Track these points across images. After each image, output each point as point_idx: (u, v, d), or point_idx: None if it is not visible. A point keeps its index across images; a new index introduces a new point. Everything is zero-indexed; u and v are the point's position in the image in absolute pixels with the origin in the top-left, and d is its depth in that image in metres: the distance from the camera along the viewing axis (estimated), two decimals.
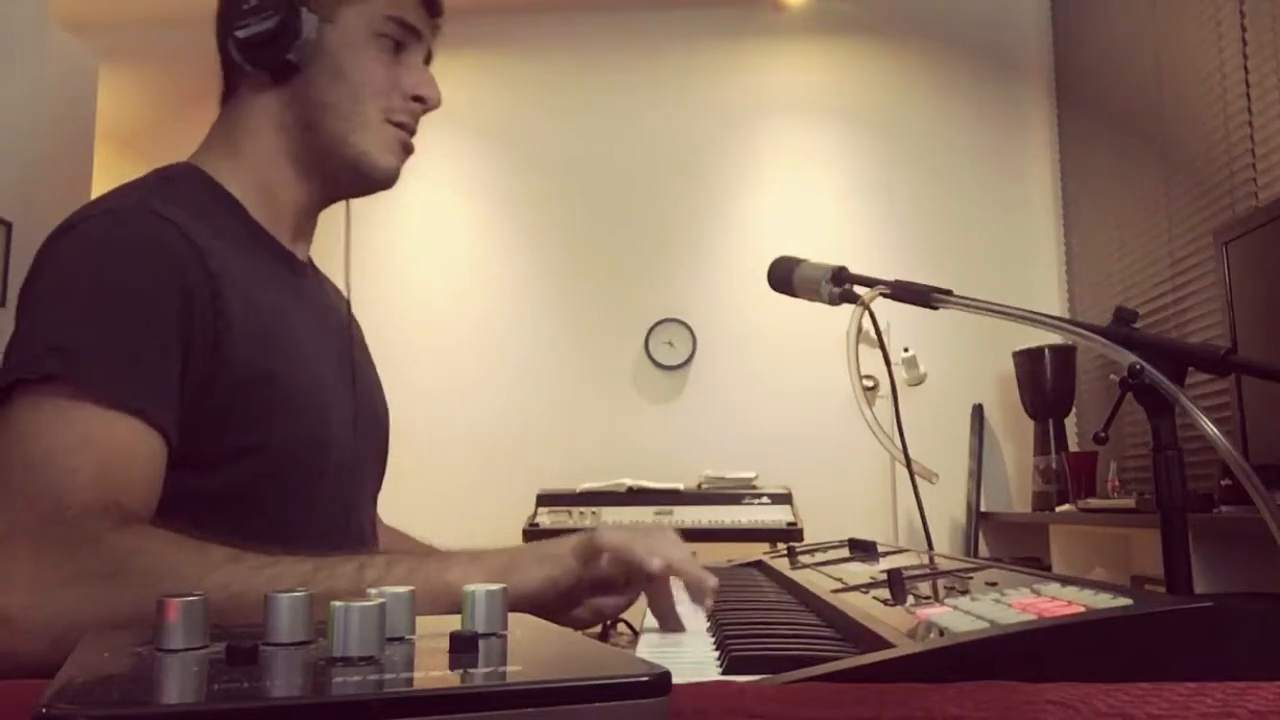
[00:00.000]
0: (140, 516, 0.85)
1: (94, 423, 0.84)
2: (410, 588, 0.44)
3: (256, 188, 1.07)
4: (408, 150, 1.12)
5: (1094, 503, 2.73)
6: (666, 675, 0.35)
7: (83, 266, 0.90)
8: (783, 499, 3.41)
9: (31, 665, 0.72)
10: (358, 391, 1.11)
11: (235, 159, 1.07)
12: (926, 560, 1.02)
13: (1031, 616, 0.58)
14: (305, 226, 1.14)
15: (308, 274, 1.15)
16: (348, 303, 1.21)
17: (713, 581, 0.90)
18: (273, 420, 0.95)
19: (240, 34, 1.04)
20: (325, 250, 1.21)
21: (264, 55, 1.05)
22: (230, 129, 1.09)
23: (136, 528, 0.82)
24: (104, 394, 0.85)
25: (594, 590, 0.92)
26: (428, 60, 1.14)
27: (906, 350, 3.40)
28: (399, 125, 1.09)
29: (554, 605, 0.89)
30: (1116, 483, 2.86)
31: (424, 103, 1.11)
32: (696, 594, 0.90)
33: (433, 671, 0.36)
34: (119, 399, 0.85)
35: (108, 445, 0.84)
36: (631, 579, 0.91)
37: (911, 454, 1.12)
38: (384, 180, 1.11)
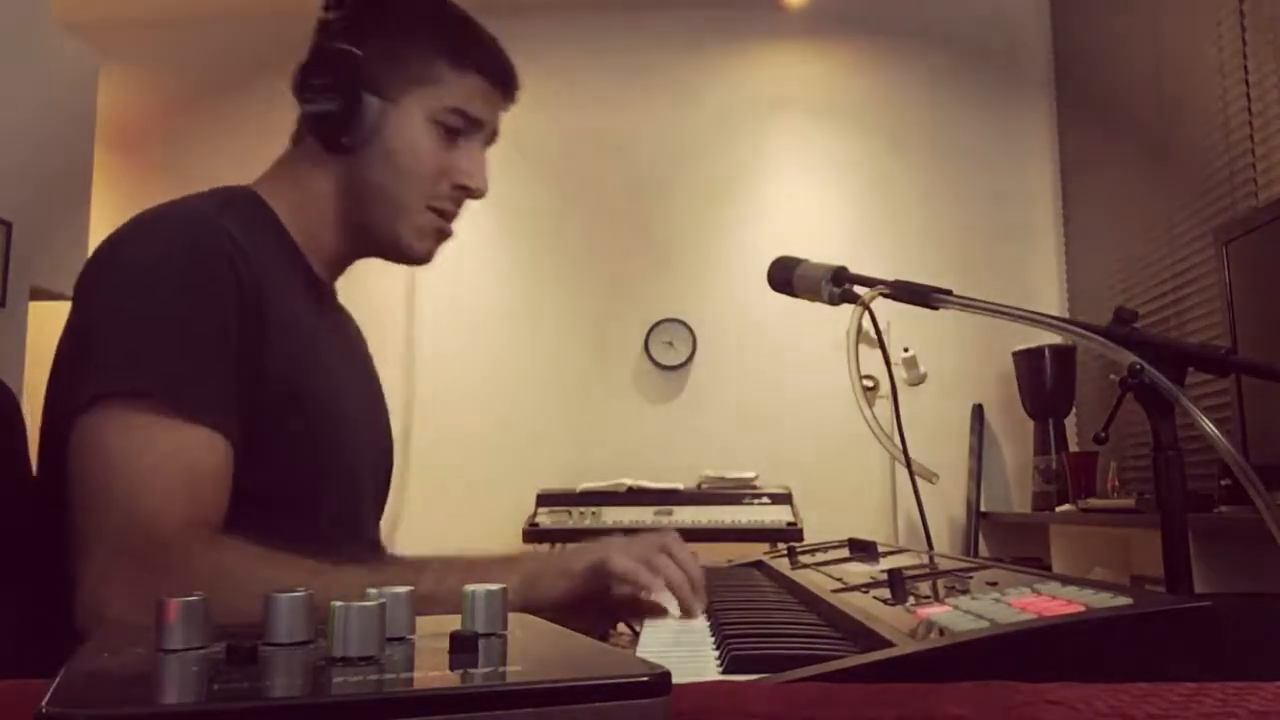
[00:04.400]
0: (219, 526, 0.91)
1: (178, 439, 0.89)
2: (410, 587, 0.44)
3: (305, 230, 1.11)
4: (445, 235, 1.15)
5: (1094, 503, 2.73)
6: (666, 675, 0.35)
7: (148, 276, 0.94)
8: (783, 499, 3.41)
9: None
10: (374, 425, 1.17)
11: (290, 200, 1.11)
12: (926, 560, 1.02)
13: (1031, 616, 0.58)
14: (338, 270, 1.18)
15: (336, 307, 1.20)
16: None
17: (698, 607, 0.94)
18: (293, 434, 0.99)
19: (307, 108, 1.08)
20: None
21: (324, 132, 1.08)
22: (291, 174, 1.12)
23: (225, 544, 0.88)
24: (184, 408, 0.89)
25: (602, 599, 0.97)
26: (492, 139, 1.17)
27: (906, 350, 3.40)
28: (439, 211, 1.12)
29: (565, 615, 0.94)
30: (1116, 483, 2.86)
31: (468, 192, 1.14)
32: (683, 611, 0.94)
33: (433, 671, 0.36)
34: (198, 413, 0.90)
35: (192, 460, 0.90)
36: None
37: (911, 454, 1.12)
38: (417, 261, 1.16)
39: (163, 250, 0.95)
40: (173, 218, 0.99)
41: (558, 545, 3.35)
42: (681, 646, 0.79)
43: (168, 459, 0.88)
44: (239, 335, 0.94)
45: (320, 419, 1.02)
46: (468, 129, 1.12)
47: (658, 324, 3.86)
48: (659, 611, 0.95)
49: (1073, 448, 3.39)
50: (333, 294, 1.19)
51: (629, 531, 1.01)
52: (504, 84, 1.14)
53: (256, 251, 0.99)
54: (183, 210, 1.00)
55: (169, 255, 0.95)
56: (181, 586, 0.80)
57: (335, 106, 1.05)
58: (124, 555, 0.85)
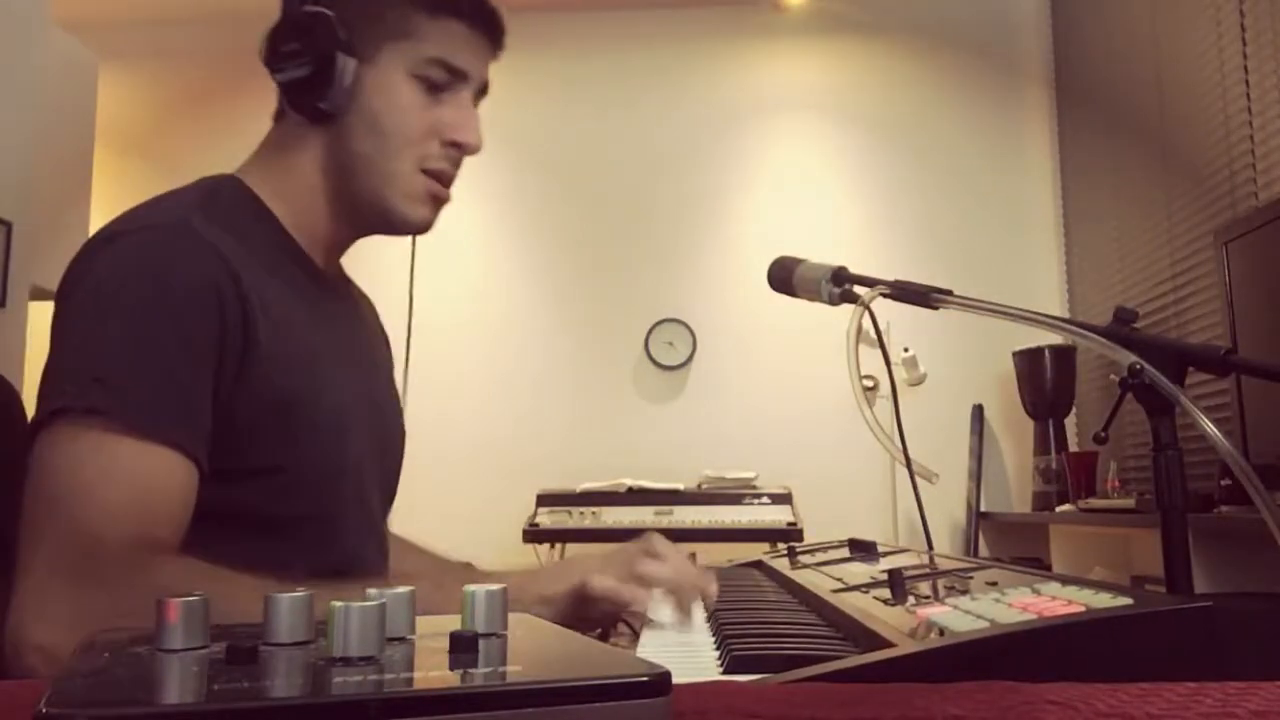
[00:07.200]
0: (171, 545, 0.87)
1: (132, 456, 0.85)
2: (411, 587, 0.44)
3: (295, 214, 1.06)
4: (441, 200, 1.09)
5: (1094, 503, 2.73)
6: (666, 675, 0.35)
7: (122, 287, 0.90)
8: (783, 499, 3.41)
9: None
10: (379, 416, 1.13)
11: (277, 183, 1.06)
12: (926, 560, 1.02)
13: (1031, 616, 0.58)
14: (337, 254, 1.13)
15: (338, 292, 1.14)
16: (408, 329, 1.22)
17: (709, 587, 0.91)
18: (291, 443, 0.96)
19: (278, 77, 1.03)
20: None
21: (300, 101, 1.03)
22: (276, 154, 1.08)
23: (169, 561, 0.85)
24: (143, 427, 0.86)
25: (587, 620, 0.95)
26: (484, 92, 1.11)
27: (906, 350, 3.40)
28: (434, 173, 1.06)
29: None
30: (1116, 483, 2.85)
31: (461, 149, 1.08)
32: (683, 602, 0.91)
33: (433, 671, 0.36)
34: (157, 431, 0.86)
35: (145, 479, 0.86)
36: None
37: (911, 454, 1.12)
38: (415, 230, 1.10)
39: (140, 263, 0.91)
40: (155, 226, 0.94)
41: (557, 546, 3.35)
42: (681, 646, 0.79)
43: (117, 476, 0.85)
44: (220, 352, 0.90)
45: (318, 424, 0.98)
46: (453, 81, 1.05)
47: (658, 324, 3.86)
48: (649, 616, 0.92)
49: (1073, 448, 3.39)
50: (334, 278, 1.13)
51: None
52: (487, 29, 1.08)
53: (243, 252, 0.95)
54: (165, 216, 0.95)
55: (146, 270, 0.91)
56: (118, 606, 0.78)
57: (307, 71, 1.00)
58: (60, 576, 0.81)
